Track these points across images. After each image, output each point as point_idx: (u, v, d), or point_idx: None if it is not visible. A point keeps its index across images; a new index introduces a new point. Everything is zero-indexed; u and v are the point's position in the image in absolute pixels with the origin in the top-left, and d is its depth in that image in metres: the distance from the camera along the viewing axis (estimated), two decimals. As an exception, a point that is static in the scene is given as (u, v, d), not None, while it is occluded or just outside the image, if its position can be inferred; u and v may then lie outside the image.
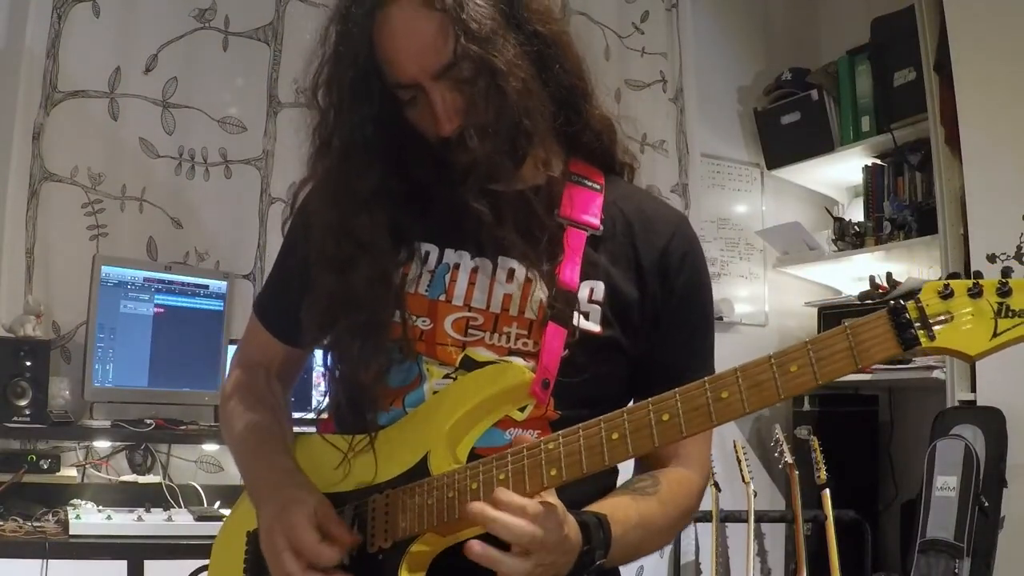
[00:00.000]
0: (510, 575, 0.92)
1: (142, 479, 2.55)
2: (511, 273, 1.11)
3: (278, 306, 1.27)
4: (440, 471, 1.02)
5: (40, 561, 2.03)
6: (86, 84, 2.68)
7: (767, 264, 3.83)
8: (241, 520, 1.18)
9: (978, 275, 0.86)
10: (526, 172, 1.11)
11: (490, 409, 1.05)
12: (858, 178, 3.62)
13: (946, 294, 0.86)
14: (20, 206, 2.57)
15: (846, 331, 0.87)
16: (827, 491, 2.85)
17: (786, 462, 2.95)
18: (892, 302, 0.87)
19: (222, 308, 2.69)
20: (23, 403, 2.31)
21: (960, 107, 2.86)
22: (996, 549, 2.57)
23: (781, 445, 2.98)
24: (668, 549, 3.28)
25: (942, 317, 0.85)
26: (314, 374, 2.27)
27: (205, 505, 2.44)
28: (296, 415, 1.33)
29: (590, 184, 1.17)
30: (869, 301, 3.31)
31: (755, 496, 2.97)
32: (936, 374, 2.93)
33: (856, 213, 3.69)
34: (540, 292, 1.09)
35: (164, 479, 2.54)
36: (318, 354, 1.51)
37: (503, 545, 0.93)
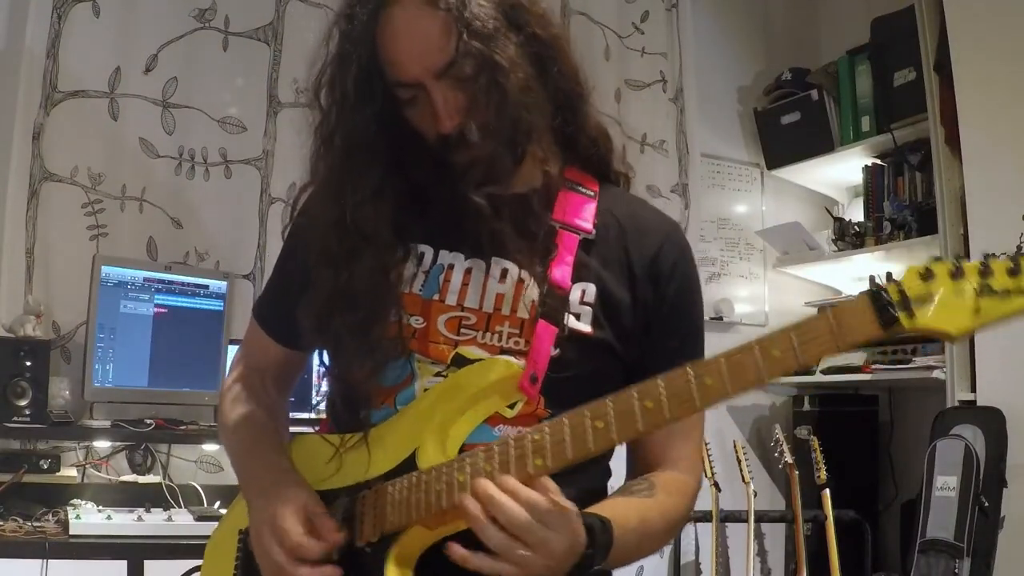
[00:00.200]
0: (511, 572, 0.93)
1: (142, 479, 2.55)
2: (504, 273, 1.12)
3: (277, 309, 1.27)
4: (428, 466, 1.03)
5: (40, 561, 2.03)
6: (86, 84, 2.68)
7: (767, 264, 3.83)
8: (235, 519, 1.19)
9: (960, 258, 0.86)
10: (523, 175, 1.12)
11: (480, 405, 1.06)
12: (858, 178, 3.62)
13: (927, 276, 0.86)
14: (20, 206, 2.57)
15: (828, 315, 0.88)
16: (827, 491, 2.85)
17: (786, 462, 2.95)
18: (873, 285, 0.88)
19: (222, 308, 2.69)
20: (23, 403, 2.31)
21: (960, 107, 2.86)
22: (996, 549, 2.57)
23: (781, 445, 2.98)
24: (668, 549, 3.28)
25: (923, 299, 0.85)
26: (314, 374, 2.27)
27: (205, 505, 2.44)
28: (297, 415, 1.34)
29: (584, 191, 1.19)
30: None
31: (755, 496, 2.97)
32: (936, 374, 2.93)
33: (856, 213, 3.69)
34: (532, 292, 1.11)
35: (164, 479, 2.54)
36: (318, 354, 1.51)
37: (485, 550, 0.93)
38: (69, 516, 2.12)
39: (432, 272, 1.14)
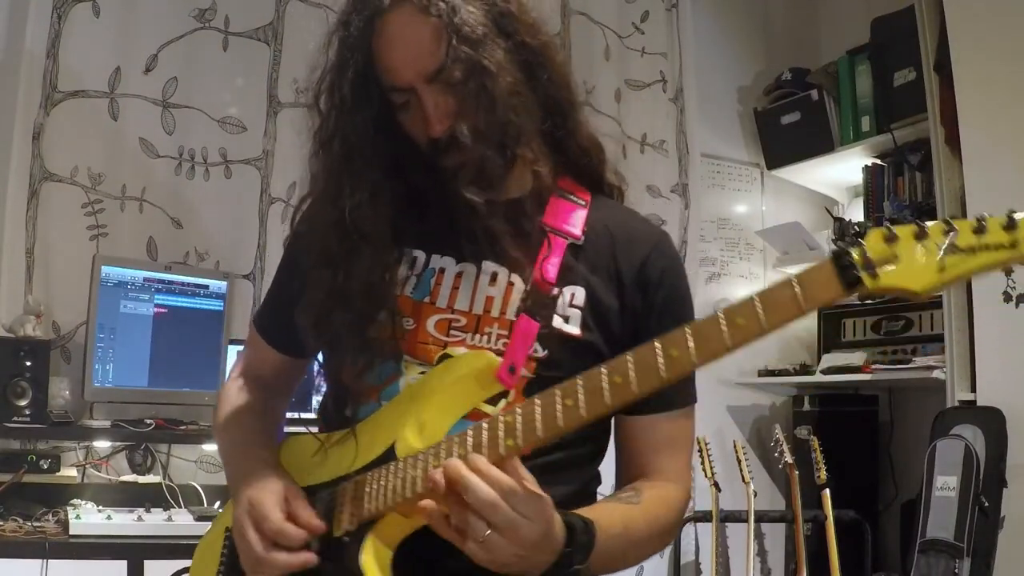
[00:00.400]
0: (480, 556, 0.93)
1: (142, 479, 2.55)
2: (494, 277, 1.15)
3: (276, 318, 1.29)
4: (406, 455, 1.04)
5: (40, 561, 2.03)
6: (86, 84, 2.68)
7: (767, 264, 3.83)
8: (225, 519, 1.21)
9: (924, 221, 0.86)
10: (514, 180, 1.14)
11: (459, 396, 1.07)
12: (858, 178, 3.62)
13: (891, 238, 0.85)
14: (20, 206, 2.57)
15: (791, 280, 0.88)
16: (827, 491, 2.85)
17: (786, 462, 2.95)
18: (835, 247, 0.87)
19: (222, 308, 2.69)
20: (23, 403, 2.31)
21: (960, 107, 2.86)
22: (996, 549, 2.57)
23: (781, 445, 2.98)
24: (668, 549, 3.28)
25: (887, 259, 0.85)
26: (315, 375, 2.27)
27: (205, 505, 2.44)
28: (297, 415, 1.35)
29: (576, 199, 1.21)
30: (869, 301, 3.31)
31: (755, 496, 2.97)
32: (936, 374, 2.93)
33: (856, 213, 3.69)
34: (520, 293, 1.13)
35: (164, 479, 2.55)
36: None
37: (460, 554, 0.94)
38: (69, 516, 2.12)
39: (424, 275, 1.17)
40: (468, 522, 0.92)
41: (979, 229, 0.82)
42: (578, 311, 1.13)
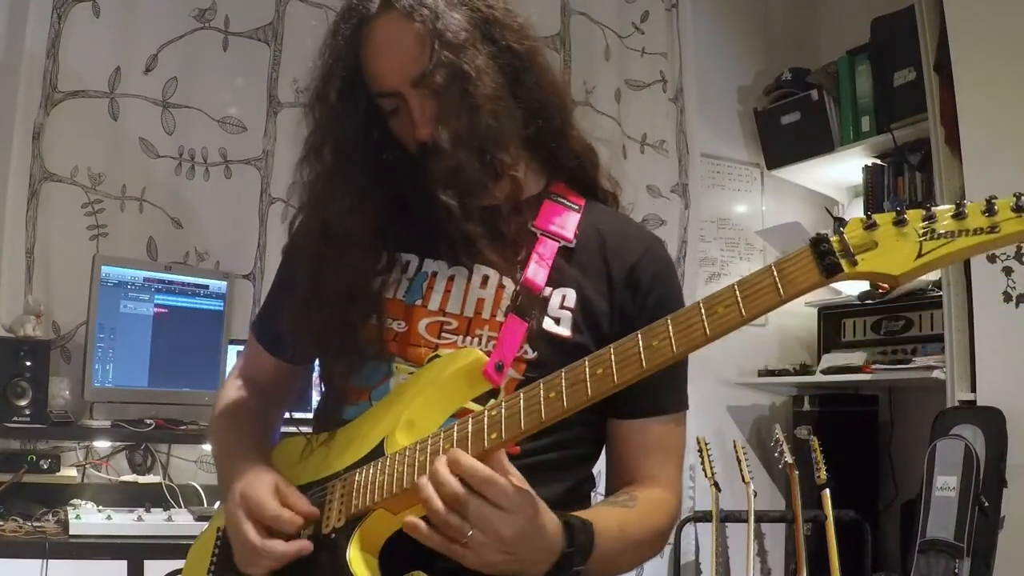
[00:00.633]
0: (469, 559, 0.93)
1: (142, 479, 2.55)
2: (485, 280, 1.16)
3: (272, 323, 1.30)
4: (394, 451, 1.05)
5: (40, 561, 2.03)
6: (86, 84, 2.68)
7: (767, 264, 3.82)
8: (219, 519, 1.21)
9: (903, 208, 0.86)
10: (502, 188, 1.15)
11: (448, 393, 1.08)
12: (858, 178, 3.62)
13: (870, 225, 0.85)
14: (20, 206, 2.57)
15: (771, 268, 0.88)
16: (827, 491, 2.85)
17: (786, 462, 2.95)
18: (815, 235, 0.87)
19: (222, 308, 2.69)
20: (23, 403, 2.31)
21: (960, 107, 2.86)
22: (996, 549, 2.57)
23: (781, 445, 2.98)
24: (668, 549, 3.28)
25: (865, 246, 0.85)
26: (314, 375, 2.27)
27: (205, 505, 2.44)
28: (290, 415, 1.37)
29: (568, 203, 1.23)
30: (869, 301, 3.31)
31: (755, 496, 2.97)
32: (936, 374, 2.93)
33: (856, 213, 3.67)
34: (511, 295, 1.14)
35: (164, 479, 2.55)
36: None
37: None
38: (69, 516, 2.12)
39: (416, 279, 1.18)
40: (449, 523, 0.92)
41: (959, 214, 0.81)
42: (569, 313, 1.14)
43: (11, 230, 2.56)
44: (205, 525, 1.26)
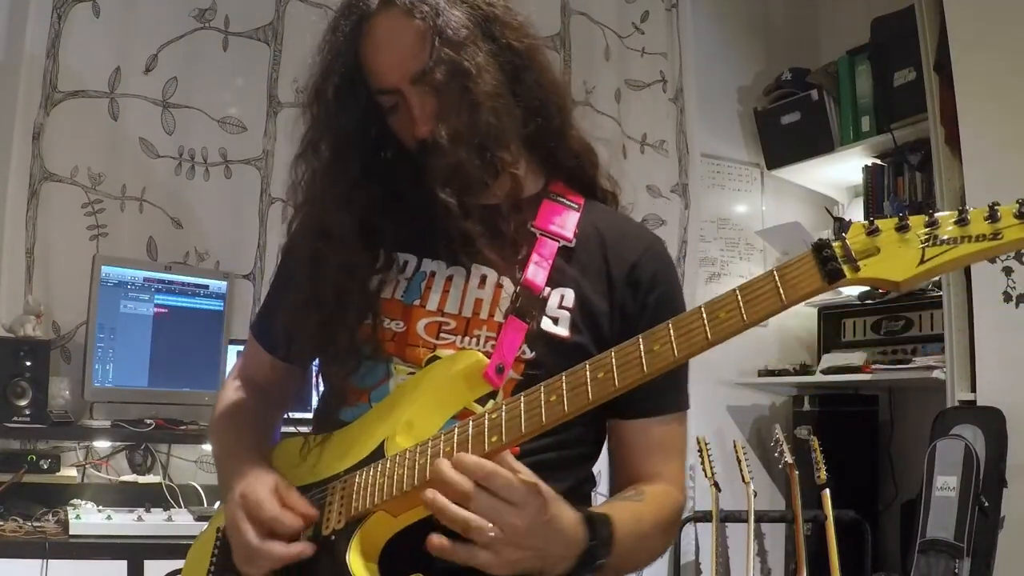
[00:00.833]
0: (493, 563, 0.93)
1: (142, 479, 2.55)
2: (483, 279, 1.15)
3: (271, 323, 1.30)
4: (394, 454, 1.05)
5: (40, 561, 2.03)
6: (86, 84, 2.68)
7: (767, 264, 3.82)
8: (219, 519, 1.21)
9: (906, 214, 0.86)
10: (502, 186, 1.15)
11: (448, 396, 1.07)
12: (858, 178, 3.62)
13: (872, 230, 0.85)
14: (20, 206, 2.57)
15: (773, 273, 0.88)
16: (827, 491, 2.85)
17: (786, 462, 2.95)
18: (818, 241, 0.87)
19: (222, 308, 2.69)
20: (23, 403, 2.31)
21: (960, 107, 2.86)
22: (996, 549, 2.57)
23: (781, 445, 2.98)
24: (668, 549, 3.28)
25: (868, 252, 0.84)
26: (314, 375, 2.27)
27: (205, 505, 2.44)
28: (287, 415, 1.37)
29: (567, 202, 1.22)
30: (869, 301, 3.31)
31: (755, 496, 2.97)
32: (936, 374, 2.93)
33: (856, 213, 3.69)
34: (509, 295, 1.14)
35: (164, 479, 2.55)
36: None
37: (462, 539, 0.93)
38: (69, 516, 2.12)
39: (415, 279, 1.18)
40: (468, 523, 0.92)
41: (961, 220, 0.81)
42: (567, 313, 1.14)
43: (11, 230, 2.56)
44: (205, 525, 1.26)
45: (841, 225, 0.87)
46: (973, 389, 2.82)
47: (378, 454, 1.07)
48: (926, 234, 0.82)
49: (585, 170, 1.26)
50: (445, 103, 1.10)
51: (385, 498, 1.02)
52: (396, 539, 1.04)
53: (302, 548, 1.04)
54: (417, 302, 1.16)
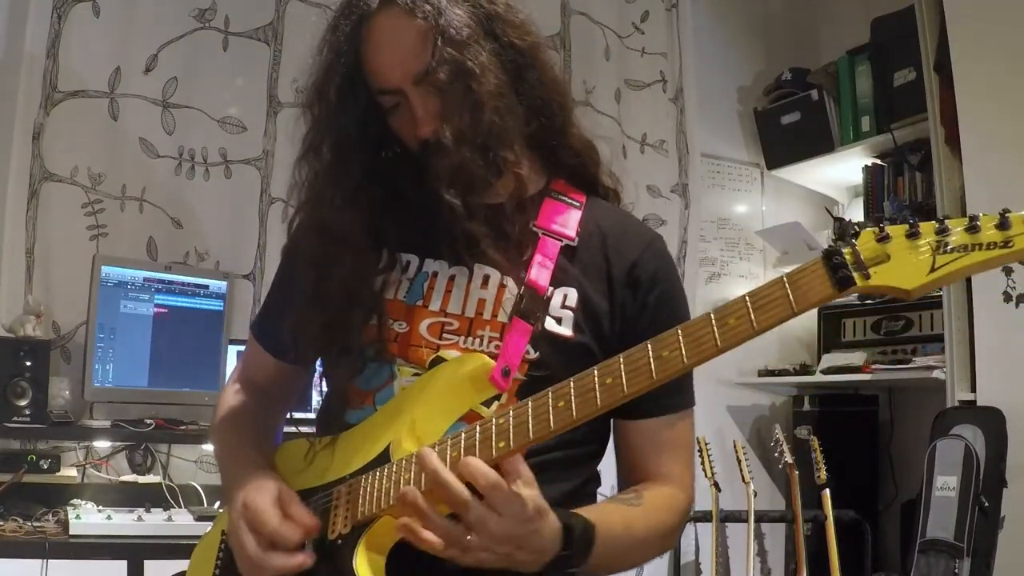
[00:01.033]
0: (448, 556, 0.93)
1: (142, 479, 2.55)
2: (486, 279, 1.15)
3: (272, 323, 1.30)
4: (400, 458, 1.05)
5: (40, 561, 2.03)
6: (86, 84, 2.68)
7: (767, 264, 3.83)
8: (223, 522, 1.21)
9: (916, 220, 0.85)
10: (505, 185, 1.14)
11: (454, 399, 1.07)
12: (858, 178, 3.62)
13: (882, 237, 0.85)
14: (20, 206, 2.57)
15: (783, 279, 0.87)
16: (827, 491, 2.85)
17: (786, 462, 2.95)
18: (827, 246, 0.87)
19: (222, 308, 2.69)
20: (23, 403, 2.31)
21: (960, 107, 2.86)
22: (996, 549, 2.57)
23: (781, 445, 2.98)
24: (668, 549, 3.28)
25: (878, 259, 0.84)
26: (315, 376, 2.27)
27: (205, 505, 2.44)
28: (290, 416, 1.37)
29: (569, 200, 1.22)
30: (869, 301, 3.31)
31: (755, 496, 2.97)
32: (936, 374, 2.93)
33: (856, 213, 3.69)
34: (512, 295, 1.13)
35: (164, 479, 2.54)
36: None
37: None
38: (69, 516, 2.12)
39: (417, 279, 1.17)
40: (449, 533, 0.92)
41: (972, 228, 0.80)
42: (570, 312, 1.14)
43: (11, 230, 2.56)
44: (205, 525, 1.26)
45: (842, 225, 0.87)
46: (973, 389, 2.82)
47: (384, 458, 1.06)
48: (937, 241, 0.82)
49: (587, 167, 1.26)
50: (448, 103, 1.09)
51: (391, 504, 1.01)
52: (402, 544, 1.03)
53: (303, 559, 1.03)
54: (420, 302, 1.16)
